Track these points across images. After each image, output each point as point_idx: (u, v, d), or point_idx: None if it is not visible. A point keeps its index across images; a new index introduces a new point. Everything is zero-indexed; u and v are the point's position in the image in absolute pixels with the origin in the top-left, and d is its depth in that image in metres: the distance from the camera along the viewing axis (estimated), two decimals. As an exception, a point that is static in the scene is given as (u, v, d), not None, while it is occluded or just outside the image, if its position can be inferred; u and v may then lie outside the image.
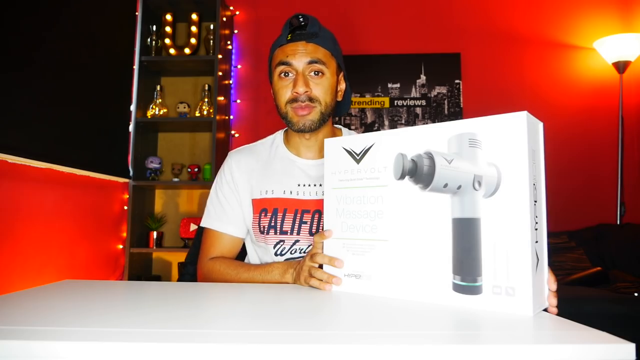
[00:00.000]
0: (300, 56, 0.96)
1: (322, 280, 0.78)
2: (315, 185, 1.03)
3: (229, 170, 1.08)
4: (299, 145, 1.06)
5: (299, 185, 1.03)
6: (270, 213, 1.02)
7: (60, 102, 1.88)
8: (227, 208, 1.06)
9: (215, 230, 1.06)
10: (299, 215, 1.01)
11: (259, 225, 1.03)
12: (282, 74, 0.99)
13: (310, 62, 0.96)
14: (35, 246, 1.80)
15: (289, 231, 1.00)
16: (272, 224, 1.01)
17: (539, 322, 0.54)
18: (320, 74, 0.98)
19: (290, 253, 1.01)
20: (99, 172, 2.21)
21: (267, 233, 1.02)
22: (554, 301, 0.64)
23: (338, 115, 1.15)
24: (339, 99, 1.07)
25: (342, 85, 1.07)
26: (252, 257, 1.11)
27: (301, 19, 0.99)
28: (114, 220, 2.50)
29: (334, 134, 1.11)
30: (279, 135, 1.13)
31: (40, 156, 1.74)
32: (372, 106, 2.89)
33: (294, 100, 0.97)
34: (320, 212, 1.00)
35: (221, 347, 0.43)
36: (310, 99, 0.97)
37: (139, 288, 0.82)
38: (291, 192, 1.03)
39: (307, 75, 0.97)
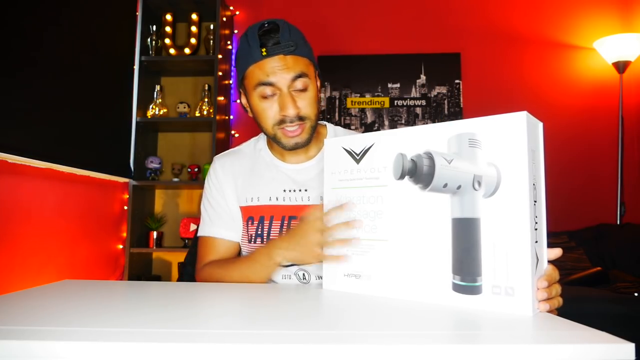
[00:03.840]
0: (282, 73, 0.88)
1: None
2: (301, 190, 0.99)
3: (214, 174, 1.05)
4: (283, 150, 1.00)
5: (284, 190, 0.99)
6: (257, 221, 0.99)
7: (61, 101, 1.88)
8: (220, 211, 1.03)
9: (209, 237, 1.03)
10: (286, 222, 0.97)
11: (247, 234, 1.00)
12: (265, 95, 0.90)
13: (295, 78, 0.89)
14: (35, 246, 1.80)
15: None
16: (259, 232, 0.98)
17: (538, 322, 0.54)
18: (305, 87, 0.91)
19: None
20: (101, 172, 2.21)
21: (255, 242, 0.98)
22: (543, 294, 0.58)
23: None
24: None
25: (318, 83, 1.00)
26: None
27: (267, 26, 0.89)
28: (114, 220, 2.50)
29: (319, 132, 1.05)
30: (262, 138, 1.08)
31: (41, 156, 1.74)
32: (372, 106, 2.89)
33: (282, 121, 0.91)
34: None
35: (221, 347, 0.43)
36: (300, 118, 0.91)
37: (139, 288, 0.82)
38: (277, 199, 0.99)
39: (292, 93, 0.90)
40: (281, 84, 0.89)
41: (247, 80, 0.92)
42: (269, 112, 0.91)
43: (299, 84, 0.90)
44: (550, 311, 0.60)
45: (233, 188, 1.03)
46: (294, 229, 0.85)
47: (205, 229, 1.04)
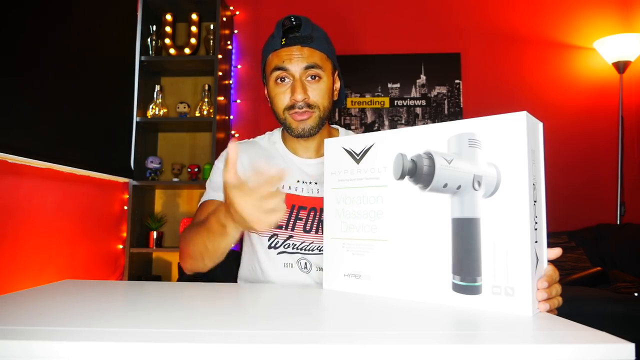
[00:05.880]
0: (296, 61, 0.95)
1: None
2: (311, 182, 1.04)
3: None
4: (296, 145, 1.07)
5: (297, 181, 1.04)
6: None
7: (61, 101, 1.88)
8: None
9: (208, 200, 1.02)
10: (295, 211, 1.01)
11: None
12: (279, 80, 0.98)
13: (307, 67, 0.96)
14: (35, 246, 1.80)
15: (284, 226, 1.00)
16: None
17: (538, 322, 0.54)
18: (317, 78, 0.97)
19: (284, 247, 1.01)
20: (101, 172, 2.21)
21: None
22: (543, 295, 0.58)
23: (333, 109, 1.11)
24: (335, 98, 1.07)
25: (338, 84, 1.07)
26: (246, 251, 1.10)
27: (294, 21, 0.98)
28: (114, 220, 2.50)
29: (331, 134, 1.11)
30: (277, 132, 1.13)
31: (41, 156, 1.74)
32: (372, 106, 2.89)
33: (292, 106, 0.97)
34: (315, 210, 1.01)
35: (221, 347, 0.43)
36: (309, 105, 0.97)
37: (139, 288, 0.82)
38: (289, 188, 1.03)
39: (304, 81, 0.97)
40: (294, 70, 0.96)
41: (267, 67, 1.01)
42: (282, 96, 0.98)
43: (312, 73, 0.96)
44: (550, 311, 0.60)
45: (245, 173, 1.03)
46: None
47: (206, 196, 1.04)
